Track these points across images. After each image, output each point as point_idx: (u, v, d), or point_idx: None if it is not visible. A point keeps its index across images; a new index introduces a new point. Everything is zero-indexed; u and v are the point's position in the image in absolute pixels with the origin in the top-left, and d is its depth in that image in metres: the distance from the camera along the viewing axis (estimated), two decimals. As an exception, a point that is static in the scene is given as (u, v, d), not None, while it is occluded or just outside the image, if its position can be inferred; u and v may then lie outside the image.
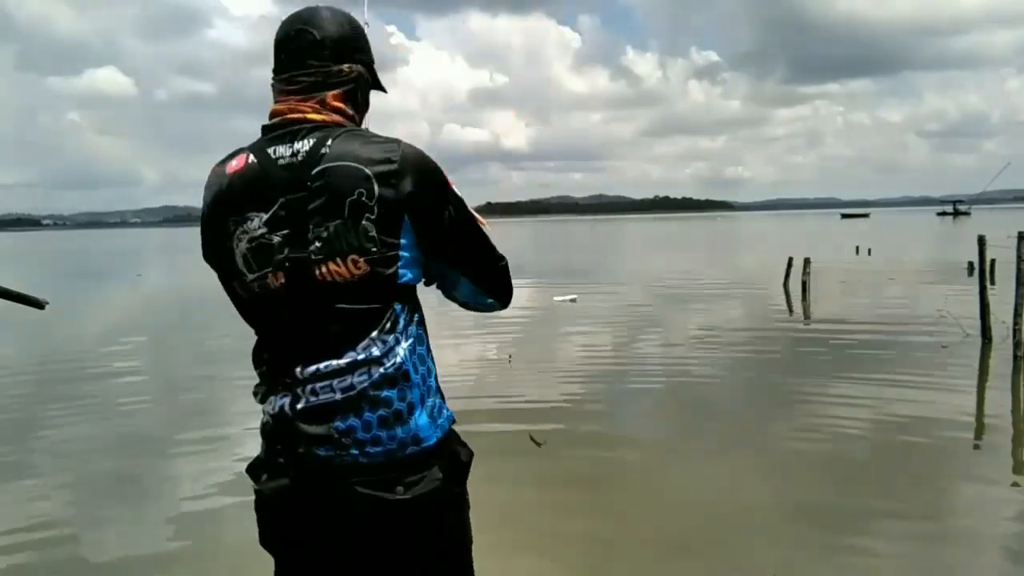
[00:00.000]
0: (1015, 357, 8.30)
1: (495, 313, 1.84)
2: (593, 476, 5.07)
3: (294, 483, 1.46)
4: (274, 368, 1.51)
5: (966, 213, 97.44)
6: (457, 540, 1.55)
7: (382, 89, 1.67)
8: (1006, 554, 3.81)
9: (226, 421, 6.83)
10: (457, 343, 10.47)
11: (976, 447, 5.69)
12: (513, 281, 1.66)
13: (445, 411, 1.56)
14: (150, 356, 11.05)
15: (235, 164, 1.49)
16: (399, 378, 1.46)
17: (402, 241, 1.44)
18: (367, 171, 1.41)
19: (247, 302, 1.53)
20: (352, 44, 1.57)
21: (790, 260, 16.79)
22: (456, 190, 1.53)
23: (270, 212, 1.44)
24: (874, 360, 8.64)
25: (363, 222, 1.41)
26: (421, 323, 1.54)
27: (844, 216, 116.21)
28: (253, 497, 1.53)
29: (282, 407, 1.47)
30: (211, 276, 1.58)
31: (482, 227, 1.58)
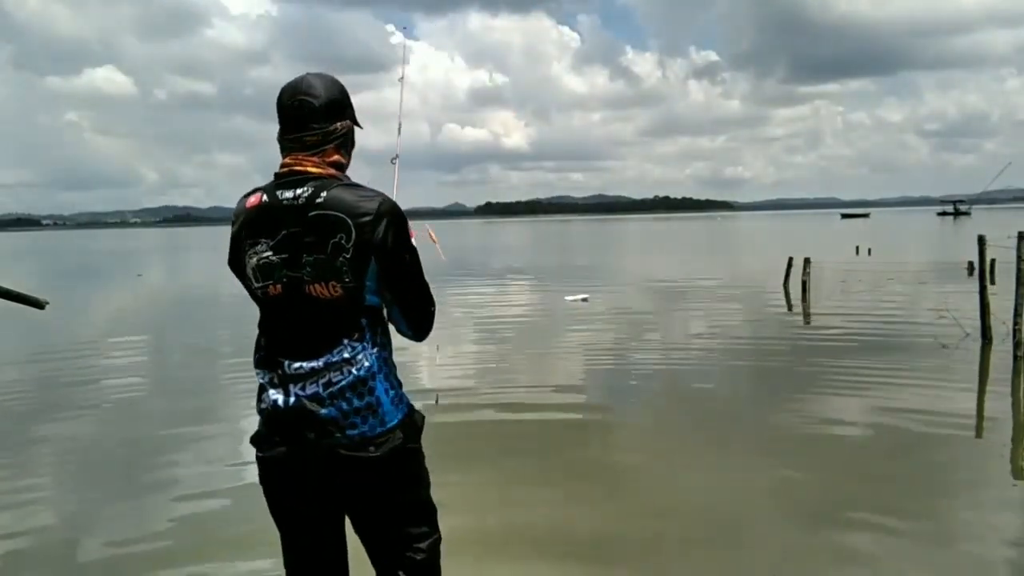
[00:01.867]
0: (1015, 357, 8.30)
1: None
2: (592, 476, 5.07)
3: (290, 451, 1.96)
4: (268, 356, 2.00)
5: (966, 213, 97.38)
6: (414, 478, 2.08)
7: (360, 127, 2.12)
8: (1007, 553, 3.81)
9: (224, 418, 6.84)
10: (464, 339, 10.47)
11: (976, 447, 5.69)
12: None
13: (405, 399, 2.07)
14: (151, 356, 11.04)
15: (252, 200, 1.99)
16: (368, 378, 1.95)
17: (367, 278, 1.93)
18: (349, 221, 1.88)
19: (258, 302, 2.03)
20: (341, 104, 2.03)
21: (790, 260, 16.79)
22: (413, 242, 2.02)
23: (275, 239, 1.94)
24: (874, 360, 8.64)
25: (340, 258, 1.89)
26: (385, 334, 2.04)
27: (844, 216, 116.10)
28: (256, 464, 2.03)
29: (275, 402, 1.96)
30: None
31: (424, 278, 2.05)
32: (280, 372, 1.95)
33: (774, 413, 6.65)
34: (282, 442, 1.96)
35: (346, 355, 1.92)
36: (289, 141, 1.99)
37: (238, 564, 3.80)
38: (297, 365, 1.93)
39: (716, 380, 8.10)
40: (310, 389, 1.92)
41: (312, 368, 1.92)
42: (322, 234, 1.89)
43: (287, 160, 1.99)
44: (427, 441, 2.12)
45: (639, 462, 5.38)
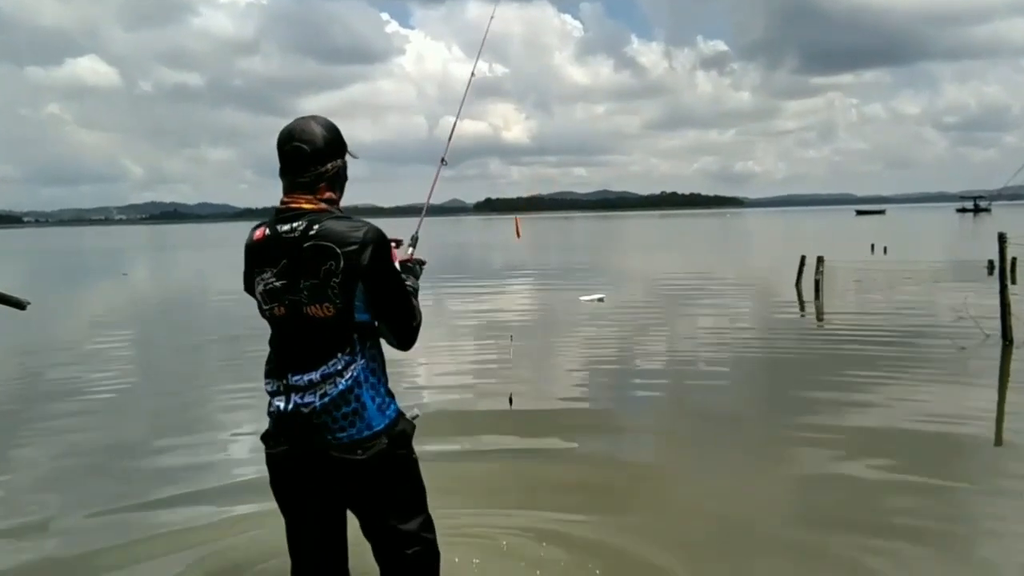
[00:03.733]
0: (1037, 360, 8.30)
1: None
2: (599, 482, 5.07)
3: (290, 449, 2.37)
4: (275, 368, 2.39)
5: (986, 210, 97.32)
6: (401, 480, 2.43)
7: (355, 157, 2.50)
8: (1027, 565, 3.81)
9: (212, 422, 6.85)
10: (461, 343, 10.48)
11: (997, 452, 5.69)
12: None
13: (392, 406, 2.43)
14: (136, 358, 11.06)
15: (258, 234, 2.39)
16: (354, 387, 2.32)
17: (356, 299, 2.30)
18: (338, 250, 2.25)
19: (267, 321, 2.42)
20: (334, 146, 2.39)
21: (802, 259, 16.79)
22: (396, 264, 2.41)
23: (277, 267, 2.33)
24: (890, 363, 8.64)
25: (330, 283, 2.26)
26: (375, 346, 2.41)
27: (859, 213, 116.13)
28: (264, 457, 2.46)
29: (278, 407, 2.37)
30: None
31: (407, 295, 2.45)
32: (285, 383, 2.35)
33: (785, 417, 6.64)
34: (285, 441, 2.37)
35: (339, 367, 2.30)
36: (287, 181, 2.37)
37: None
38: (298, 377, 2.32)
39: (725, 383, 8.10)
40: (308, 398, 2.30)
41: (311, 380, 2.30)
42: (315, 262, 2.26)
43: (285, 198, 2.37)
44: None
45: (646, 467, 5.38)
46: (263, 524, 4.11)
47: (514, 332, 10.34)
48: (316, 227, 2.28)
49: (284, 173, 2.38)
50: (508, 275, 22.55)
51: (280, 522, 2.54)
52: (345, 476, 2.34)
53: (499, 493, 4.88)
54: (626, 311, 14.30)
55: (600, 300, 15.26)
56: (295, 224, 2.30)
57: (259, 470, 5.10)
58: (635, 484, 5.07)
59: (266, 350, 2.46)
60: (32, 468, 5.81)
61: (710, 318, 13.09)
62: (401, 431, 2.42)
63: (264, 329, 2.46)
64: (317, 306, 2.28)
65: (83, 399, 8.03)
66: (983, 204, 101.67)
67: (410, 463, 2.47)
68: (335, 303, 2.27)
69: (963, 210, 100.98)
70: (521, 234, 3.90)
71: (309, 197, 2.35)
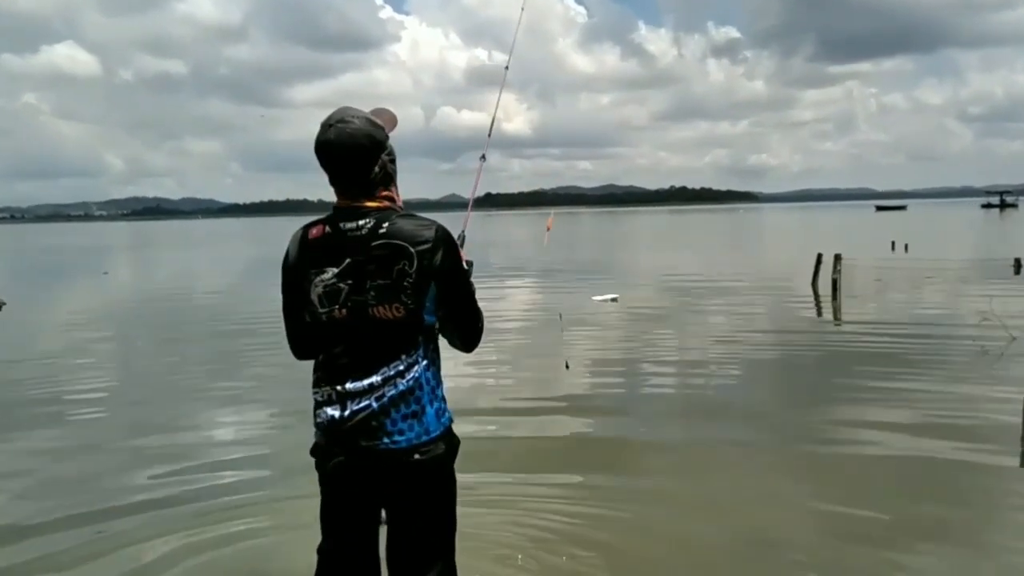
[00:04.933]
0: (1066, 363, 8.30)
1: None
2: (613, 487, 5.09)
3: (347, 459, 2.34)
4: (327, 376, 2.36)
5: (1013, 205, 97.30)
6: (447, 495, 2.45)
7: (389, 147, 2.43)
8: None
9: (197, 429, 6.86)
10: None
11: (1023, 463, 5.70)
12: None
13: (447, 413, 2.43)
14: (117, 362, 11.08)
15: (315, 232, 2.36)
16: (415, 388, 2.32)
17: (427, 300, 2.31)
18: (412, 249, 2.26)
19: (311, 327, 2.37)
20: (381, 142, 2.36)
21: (819, 256, 16.79)
22: (464, 264, 2.43)
23: (341, 267, 2.29)
24: (910, 366, 8.65)
25: (403, 283, 2.26)
26: (436, 351, 2.40)
27: (879, 208, 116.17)
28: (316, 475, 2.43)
29: (332, 417, 2.33)
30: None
31: (475, 297, 2.46)
32: (339, 389, 2.32)
33: (802, 423, 6.65)
34: (340, 452, 2.35)
35: (400, 368, 2.31)
36: (340, 187, 2.36)
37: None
38: (356, 383, 2.31)
39: (739, 387, 8.10)
40: (364, 402, 2.30)
41: (371, 384, 2.30)
42: (386, 261, 2.26)
43: (344, 200, 2.36)
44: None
45: (660, 474, 5.38)
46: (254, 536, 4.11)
47: (522, 332, 10.33)
48: (385, 225, 2.28)
49: (333, 181, 2.37)
50: (511, 275, 22.58)
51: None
52: (398, 481, 2.33)
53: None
54: (641, 311, 14.35)
55: (614, 300, 15.31)
56: (361, 222, 2.29)
57: (249, 487, 5.18)
58: (638, 490, 5.09)
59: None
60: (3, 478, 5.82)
61: (719, 318, 13.10)
62: (452, 442, 2.43)
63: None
64: (386, 307, 2.27)
65: (59, 406, 8.04)
66: (1010, 199, 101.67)
67: (454, 483, 2.48)
68: (407, 304, 2.27)
69: (988, 205, 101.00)
70: (551, 230, 3.83)
71: (371, 197, 2.35)
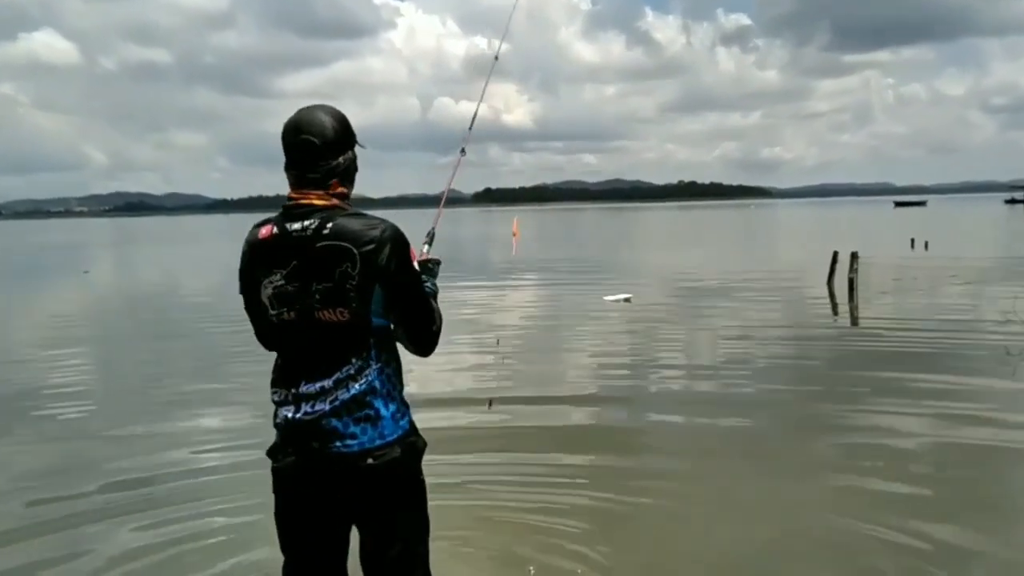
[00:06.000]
0: (1094, 366, 8.29)
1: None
2: (618, 505, 5.09)
3: (298, 460, 2.39)
4: (282, 377, 2.42)
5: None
6: (410, 497, 2.45)
7: (363, 147, 2.53)
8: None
9: (183, 441, 6.87)
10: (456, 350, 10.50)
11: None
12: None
13: (407, 416, 2.46)
14: (98, 367, 11.09)
15: (264, 232, 2.39)
16: (368, 392, 2.35)
17: (373, 303, 2.33)
18: (354, 250, 2.27)
19: (267, 329, 2.44)
20: (344, 137, 2.43)
21: (835, 255, 16.80)
22: (415, 264, 2.42)
23: (287, 269, 2.33)
24: (930, 370, 8.64)
25: (346, 286, 2.28)
26: (391, 351, 2.45)
27: (898, 204, 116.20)
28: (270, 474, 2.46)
29: (286, 416, 2.39)
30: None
31: (427, 298, 2.48)
32: (294, 392, 2.38)
33: (816, 432, 6.65)
34: (292, 453, 2.39)
35: (352, 372, 2.34)
36: (295, 176, 2.40)
37: None
38: (309, 385, 2.35)
39: (750, 393, 8.09)
40: (318, 406, 2.34)
41: (322, 387, 2.34)
42: (329, 263, 2.29)
43: (294, 194, 2.40)
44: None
45: (666, 489, 5.37)
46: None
47: (501, 339, 10.33)
48: (329, 225, 2.30)
49: (291, 168, 2.41)
50: (517, 275, 22.56)
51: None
52: (352, 486, 2.36)
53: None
54: (655, 312, 14.40)
55: (627, 300, 15.34)
56: (306, 222, 2.33)
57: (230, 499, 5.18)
58: (643, 507, 5.10)
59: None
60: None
61: (730, 320, 13.08)
62: (413, 443, 2.45)
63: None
64: (331, 310, 2.30)
65: (36, 415, 8.04)
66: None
67: (420, 484, 2.50)
68: (351, 307, 2.30)
69: (1013, 201, 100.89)
70: (518, 236, 3.71)
71: (320, 192, 2.38)
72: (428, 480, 2.52)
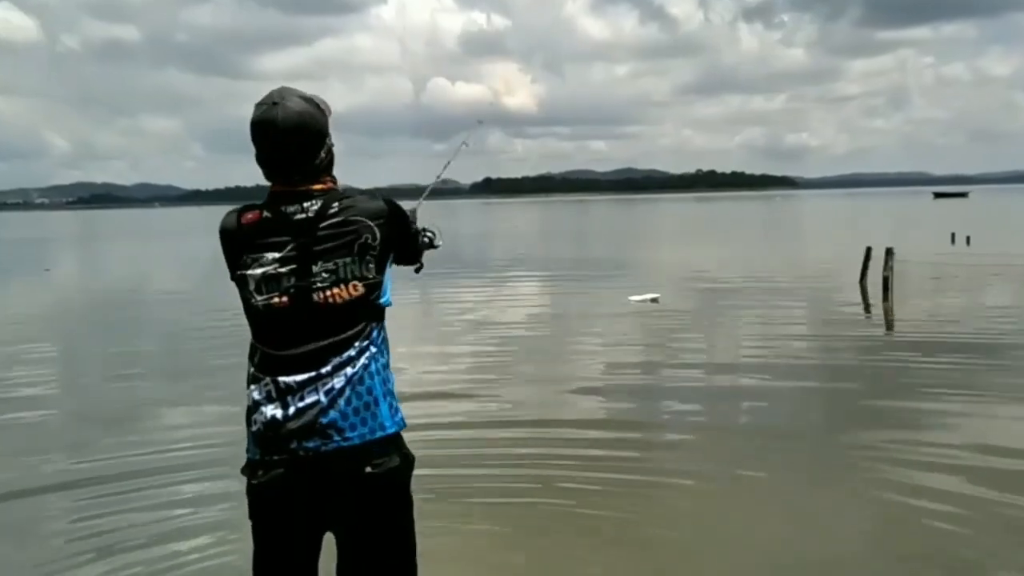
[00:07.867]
0: None
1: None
2: (636, 516, 5.14)
3: (286, 472, 2.36)
4: (268, 369, 2.41)
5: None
6: (404, 511, 2.53)
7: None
8: None
9: (152, 451, 6.88)
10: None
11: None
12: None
13: (400, 412, 2.53)
14: (60, 373, 11.10)
15: (250, 216, 2.48)
16: (366, 377, 2.42)
17: (387, 272, 2.51)
18: (371, 223, 2.45)
19: (256, 315, 2.46)
20: (323, 125, 2.51)
21: (868, 251, 16.79)
22: (412, 220, 2.70)
23: (282, 252, 2.40)
24: (972, 378, 8.65)
25: (367, 257, 2.44)
26: (385, 340, 2.54)
27: (937, 196, 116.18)
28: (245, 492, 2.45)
29: (273, 416, 2.37)
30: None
31: (417, 231, 2.74)
32: (279, 384, 2.38)
33: (848, 442, 6.64)
34: (279, 463, 2.38)
35: (351, 354, 2.41)
36: (279, 171, 2.48)
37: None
38: (297, 376, 2.37)
39: (777, 401, 8.10)
40: (310, 397, 2.36)
41: (316, 374, 2.37)
42: (345, 239, 2.41)
43: (284, 186, 2.48)
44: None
45: (688, 502, 5.40)
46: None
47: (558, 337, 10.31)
48: (335, 205, 2.44)
49: (272, 168, 2.49)
50: (525, 272, 22.55)
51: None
52: (348, 495, 2.38)
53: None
54: (684, 313, 14.49)
55: (654, 300, 15.37)
56: (306, 204, 2.43)
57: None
58: (664, 518, 5.11)
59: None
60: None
61: (754, 322, 13.12)
62: (407, 455, 2.53)
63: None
64: (341, 287, 2.40)
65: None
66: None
67: (410, 502, 2.56)
68: (370, 278, 2.44)
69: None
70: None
71: (314, 182, 2.49)
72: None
